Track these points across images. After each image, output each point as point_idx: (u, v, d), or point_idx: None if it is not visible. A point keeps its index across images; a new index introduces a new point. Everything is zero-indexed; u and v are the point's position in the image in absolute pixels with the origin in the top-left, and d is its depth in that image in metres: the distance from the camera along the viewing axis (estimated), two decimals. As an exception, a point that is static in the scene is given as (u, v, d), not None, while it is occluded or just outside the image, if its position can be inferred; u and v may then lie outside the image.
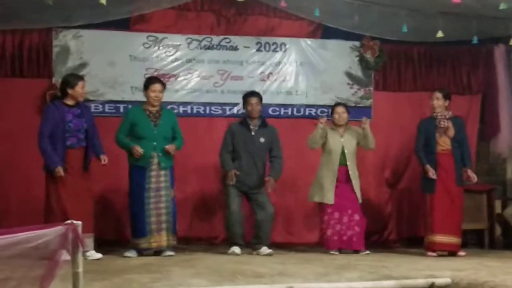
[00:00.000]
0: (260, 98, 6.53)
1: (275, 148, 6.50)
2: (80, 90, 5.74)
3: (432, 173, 6.35)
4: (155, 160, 5.99)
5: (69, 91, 5.70)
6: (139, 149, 5.90)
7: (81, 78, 5.89)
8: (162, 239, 5.98)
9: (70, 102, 5.72)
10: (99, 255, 5.62)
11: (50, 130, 5.60)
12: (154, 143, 6.00)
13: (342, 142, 6.54)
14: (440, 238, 6.33)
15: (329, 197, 6.44)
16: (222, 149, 6.45)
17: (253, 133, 6.42)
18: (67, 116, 5.66)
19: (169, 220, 6.00)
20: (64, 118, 5.63)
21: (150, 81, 6.19)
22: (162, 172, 6.01)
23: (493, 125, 7.69)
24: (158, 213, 5.97)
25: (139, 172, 5.97)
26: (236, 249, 6.20)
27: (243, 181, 6.33)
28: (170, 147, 6.02)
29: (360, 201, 6.52)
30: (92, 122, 5.86)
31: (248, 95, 6.53)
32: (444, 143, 6.46)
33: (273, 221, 6.43)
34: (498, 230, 7.43)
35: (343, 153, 6.50)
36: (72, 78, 5.82)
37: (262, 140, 6.42)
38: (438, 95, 6.55)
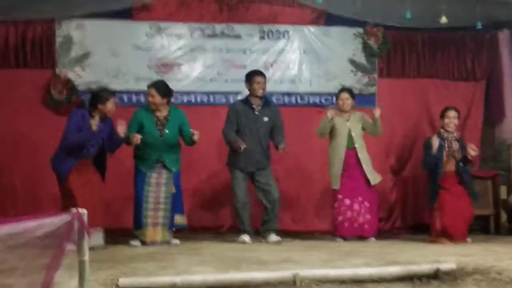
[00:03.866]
0: (265, 77, 6.45)
1: (277, 128, 6.37)
2: (110, 106, 5.65)
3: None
4: (159, 165, 5.97)
5: (99, 106, 5.61)
6: (136, 138, 5.80)
7: (113, 93, 5.80)
8: (157, 234, 5.92)
9: (95, 115, 5.63)
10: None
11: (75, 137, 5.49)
12: (159, 153, 5.96)
13: (349, 125, 6.50)
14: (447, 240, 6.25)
15: (336, 183, 6.43)
16: (226, 127, 6.32)
17: (256, 112, 6.32)
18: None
19: (166, 216, 5.95)
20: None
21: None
22: (165, 170, 5.99)
23: (498, 111, 7.68)
24: (156, 207, 5.94)
25: (142, 172, 5.97)
26: (245, 238, 6.18)
27: (249, 161, 6.24)
28: (196, 136, 5.91)
29: (372, 183, 6.46)
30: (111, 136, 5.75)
31: (254, 74, 6.40)
32: (450, 164, 6.38)
33: (279, 206, 6.33)
34: (503, 216, 7.42)
35: (350, 136, 6.48)
36: (105, 93, 5.70)
37: (266, 119, 6.33)
38: (455, 114, 6.44)
